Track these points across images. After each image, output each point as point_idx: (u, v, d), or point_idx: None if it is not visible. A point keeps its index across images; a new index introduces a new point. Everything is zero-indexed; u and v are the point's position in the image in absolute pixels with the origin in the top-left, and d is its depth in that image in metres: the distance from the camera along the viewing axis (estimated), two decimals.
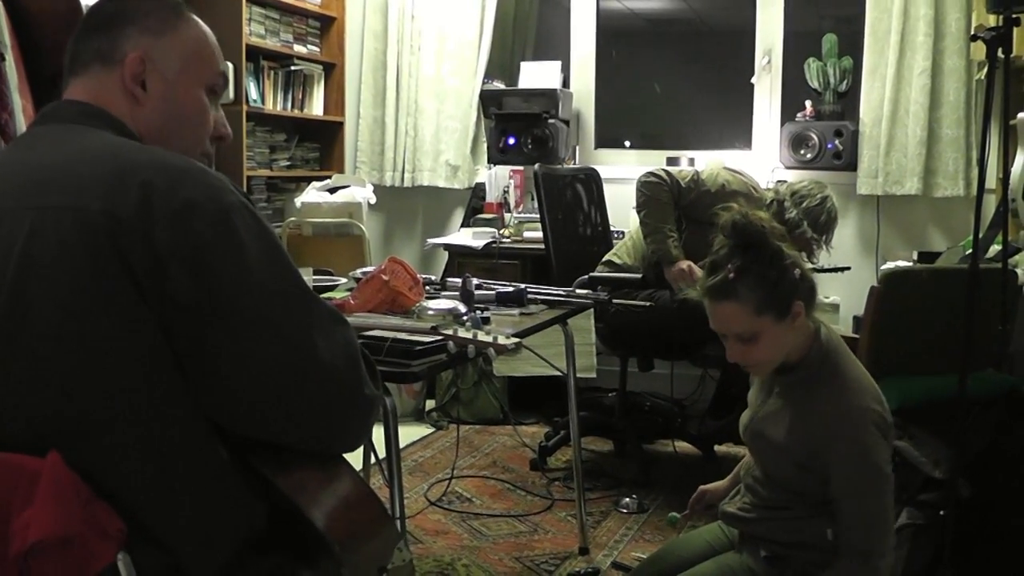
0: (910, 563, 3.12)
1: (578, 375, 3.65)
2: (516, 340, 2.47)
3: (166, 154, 1.58)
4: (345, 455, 1.72)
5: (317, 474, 1.64)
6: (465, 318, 2.75)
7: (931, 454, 3.19)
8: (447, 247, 5.65)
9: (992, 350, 3.56)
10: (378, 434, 2.02)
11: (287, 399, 1.55)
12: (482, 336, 2.43)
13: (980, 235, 3.13)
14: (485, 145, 6.10)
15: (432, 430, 5.31)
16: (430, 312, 2.81)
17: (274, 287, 1.55)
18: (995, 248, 4.25)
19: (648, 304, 3.92)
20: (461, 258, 5.47)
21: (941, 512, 3.13)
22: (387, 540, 1.69)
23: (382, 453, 2.32)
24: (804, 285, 2.38)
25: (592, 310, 4.10)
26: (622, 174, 5.54)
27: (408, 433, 5.14)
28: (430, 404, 5.54)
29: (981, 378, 3.35)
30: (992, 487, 3.28)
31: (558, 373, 3.59)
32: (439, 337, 2.40)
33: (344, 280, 3.46)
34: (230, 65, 4.87)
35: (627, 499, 4.14)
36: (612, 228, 5.20)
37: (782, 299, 2.34)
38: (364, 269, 3.57)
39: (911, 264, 4.98)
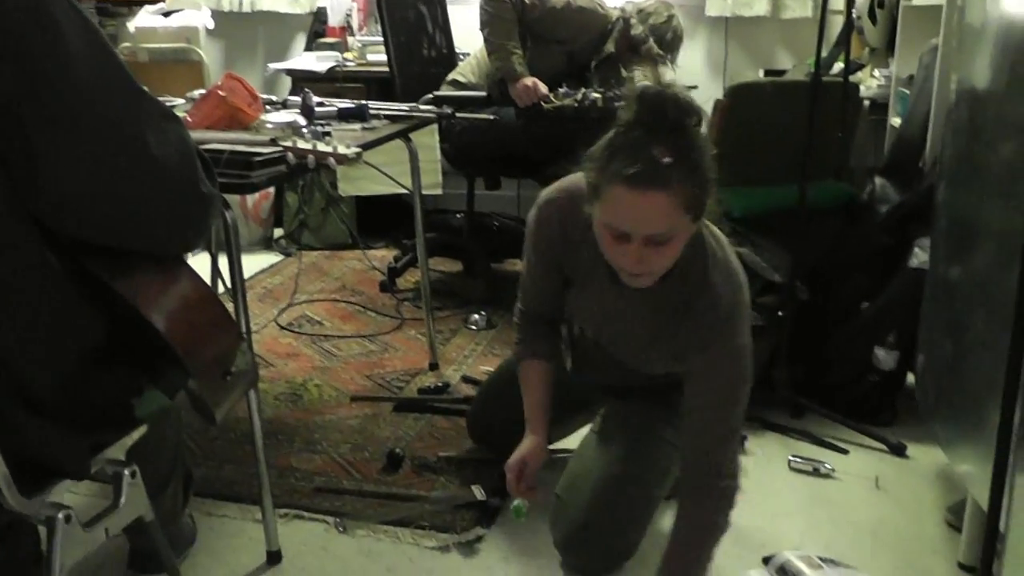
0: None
1: (424, 192, 3.62)
2: (357, 149, 2.43)
3: None
4: None
5: (156, 276, 1.60)
6: (305, 130, 2.69)
7: (771, 260, 3.27)
8: (290, 72, 5.52)
9: (833, 161, 3.64)
10: (223, 262, 1.98)
11: (119, 197, 1.49)
12: (322, 147, 2.39)
13: (824, 53, 3.18)
14: None
15: (280, 258, 5.25)
16: (269, 126, 2.75)
17: (99, 80, 1.47)
18: (839, 66, 4.32)
19: (492, 118, 3.88)
20: (304, 83, 5.30)
21: (779, 313, 3.24)
22: (230, 342, 1.67)
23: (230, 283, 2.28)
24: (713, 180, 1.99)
25: (436, 128, 4.07)
26: None
27: (256, 261, 5.09)
28: (278, 232, 5.49)
29: (821, 188, 3.43)
30: (827, 291, 3.40)
31: (404, 190, 3.56)
32: (278, 148, 2.36)
33: (181, 101, 3.34)
34: None
35: (476, 316, 4.18)
36: (457, 51, 5.12)
37: (703, 197, 1.95)
38: (201, 90, 3.46)
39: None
